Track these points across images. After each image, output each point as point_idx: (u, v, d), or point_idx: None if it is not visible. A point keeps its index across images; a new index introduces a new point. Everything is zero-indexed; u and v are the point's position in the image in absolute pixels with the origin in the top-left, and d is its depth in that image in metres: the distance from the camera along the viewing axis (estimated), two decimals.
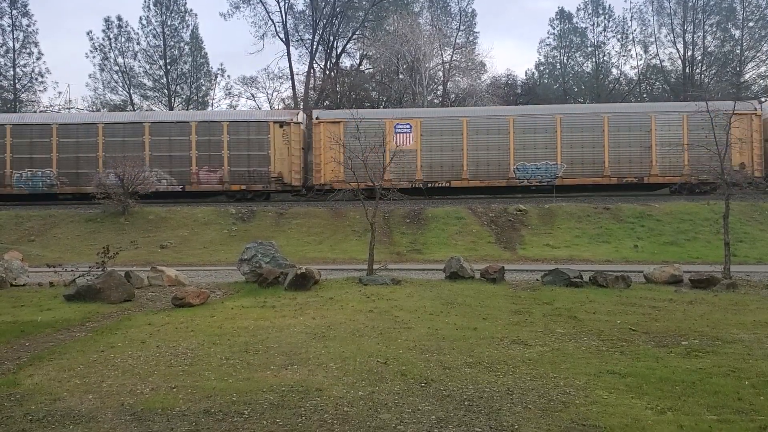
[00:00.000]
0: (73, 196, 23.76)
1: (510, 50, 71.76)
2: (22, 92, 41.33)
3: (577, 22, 45.14)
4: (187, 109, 40.79)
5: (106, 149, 23.55)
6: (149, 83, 43.05)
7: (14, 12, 40.48)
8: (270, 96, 52.41)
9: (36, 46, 41.12)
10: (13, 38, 40.55)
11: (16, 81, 40.87)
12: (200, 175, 23.76)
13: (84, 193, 22.83)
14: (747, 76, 41.09)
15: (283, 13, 42.55)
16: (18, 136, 23.96)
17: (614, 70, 45.00)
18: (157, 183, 23.12)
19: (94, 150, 23.61)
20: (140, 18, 44.55)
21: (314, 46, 42.46)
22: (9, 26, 40.45)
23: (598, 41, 44.43)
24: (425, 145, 23.50)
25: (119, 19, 42.24)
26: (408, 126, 23.59)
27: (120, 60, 42.39)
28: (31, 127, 24.18)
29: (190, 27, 43.35)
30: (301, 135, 24.19)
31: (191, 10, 45.72)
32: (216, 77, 45.06)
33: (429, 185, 23.38)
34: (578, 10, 46.05)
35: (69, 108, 40.72)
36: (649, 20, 43.19)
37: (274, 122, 23.85)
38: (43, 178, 23.87)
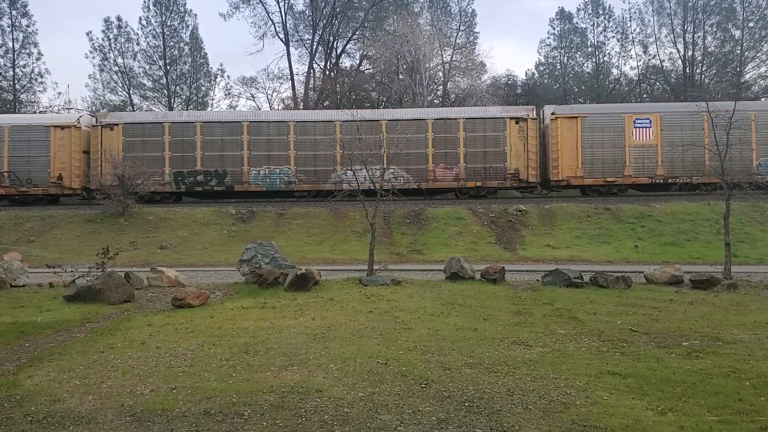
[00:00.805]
0: (309, 194, 23.75)
1: (510, 51, 71.89)
2: (22, 93, 41.36)
3: (577, 23, 45.21)
4: (187, 109, 40.80)
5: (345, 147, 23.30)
6: (149, 83, 43.07)
7: (14, 12, 40.51)
8: (269, 96, 52.46)
9: (35, 47, 41.16)
10: (13, 39, 40.57)
11: (16, 81, 40.87)
12: (437, 173, 23.81)
13: (319, 191, 22.95)
14: (747, 76, 41.16)
15: (282, 13, 42.62)
16: (255, 133, 23.92)
17: (614, 71, 45.08)
18: (394, 180, 22.92)
19: (331, 148, 23.27)
20: (140, 18, 44.55)
21: (314, 47, 42.52)
22: (8, 27, 40.49)
23: (598, 41, 44.50)
24: (665, 140, 22.98)
25: (119, 19, 42.29)
26: (647, 121, 23.36)
27: (120, 60, 42.43)
28: (268, 124, 24.16)
29: (190, 27, 43.40)
30: (537, 131, 23.98)
31: (191, 11, 45.87)
32: (216, 77, 45.11)
33: (669, 181, 22.72)
34: (578, 10, 46.12)
35: (69, 109, 40.70)
36: (649, 20, 43.28)
37: (511, 118, 23.73)
38: (281, 176, 23.90)
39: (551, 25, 45.95)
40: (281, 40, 42.64)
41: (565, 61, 45.59)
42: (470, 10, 44.85)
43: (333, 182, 22.80)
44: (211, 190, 24.11)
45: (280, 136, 23.94)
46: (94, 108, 40.75)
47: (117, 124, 24.14)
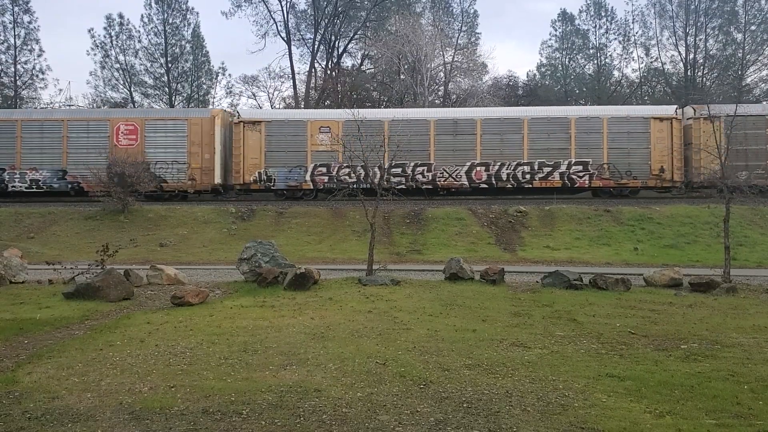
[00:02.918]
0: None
1: (510, 52, 71.85)
2: (23, 89, 41.35)
3: (579, 24, 45.17)
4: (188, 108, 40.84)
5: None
6: (150, 81, 43.03)
7: (16, 9, 40.50)
8: (271, 95, 52.35)
9: (37, 43, 41.10)
10: (15, 35, 40.53)
11: (17, 78, 40.87)
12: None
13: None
14: (749, 79, 41.12)
15: (284, 12, 42.59)
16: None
17: (616, 73, 45.06)
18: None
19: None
20: (142, 16, 44.59)
21: (316, 46, 42.50)
22: (11, 23, 40.46)
23: (599, 43, 44.46)
24: None
25: (121, 16, 42.24)
26: None
27: (121, 57, 42.40)
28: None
29: (192, 25, 43.34)
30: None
31: (193, 9, 45.88)
32: (217, 76, 45.06)
33: None
34: (580, 12, 46.09)
35: (70, 105, 40.71)
36: (650, 23, 43.18)
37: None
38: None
39: (553, 27, 45.96)
40: (283, 39, 42.67)
41: (567, 62, 45.59)
42: (472, 11, 44.88)
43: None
44: None
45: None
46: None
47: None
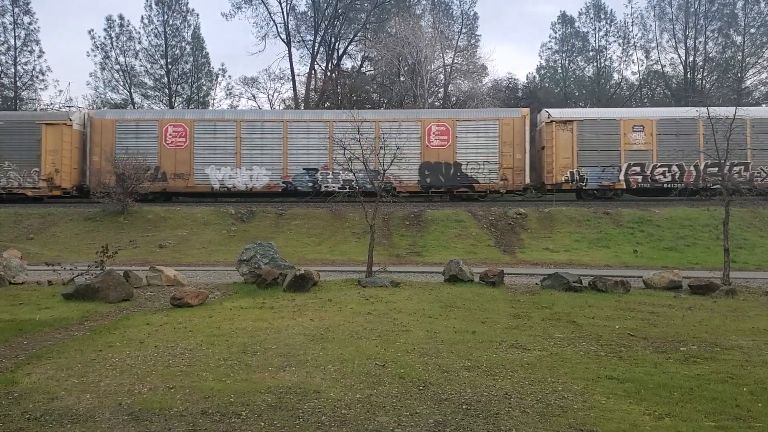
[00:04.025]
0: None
1: (510, 54, 71.89)
2: (23, 90, 41.33)
3: (578, 27, 45.18)
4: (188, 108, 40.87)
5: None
6: (150, 82, 43.01)
7: (16, 10, 40.50)
8: (271, 96, 52.41)
9: (37, 44, 41.07)
10: (15, 36, 40.52)
11: (17, 79, 40.87)
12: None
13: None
14: (748, 82, 41.13)
15: (284, 13, 42.60)
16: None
17: (615, 75, 45.05)
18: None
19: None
20: (142, 17, 44.68)
21: (315, 48, 42.51)
22: (11, 24, 40.47)
23: (599, 46, 44.47)
24: None
25: (121, 18, 42.22)
26: None
27: (121, 59, 42.39)
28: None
29: (192, 27, 43.34)
30: None
31: (193, 10, 45.66)
32: (217, 77, 45.04)
33: None
34: (580, 14, 46.05)
35: (69, 106, 40.71)
36: (650, 25, 43.20)
37: None
38: None
39: (553, 29, 45.94)
40: (283, 40, 42.68)
41: (567, 64, 45.60)
42: (472, 13, 44.87)
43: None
44: None
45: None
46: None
47: None
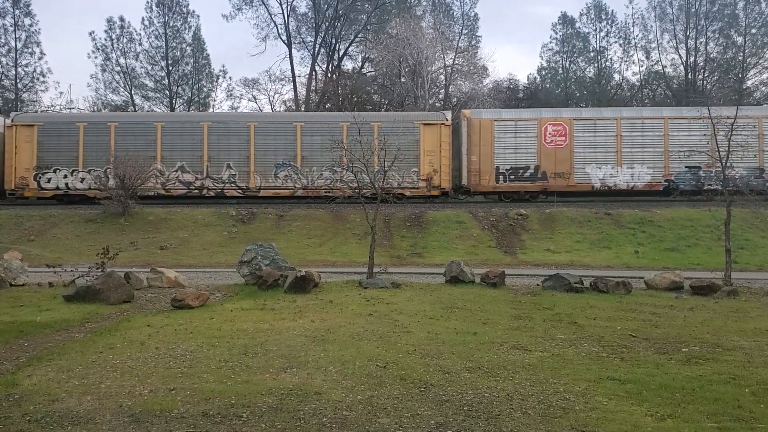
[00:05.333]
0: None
1: (510, 55, 71.94)
2: (24, 92, 41.38)
3: (579, 27, 45.22)
4: (189, 110, 40.89)
5: None
6: (150, 84, 43.09)
7: (17, 12, 40.57)
8: (271, 98, 52.41)
9: (38, 46, 41.14)
10: (15, 38, 40.60)
11: (18, 81, 40.92)
12: None
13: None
14: (749, 82, 41.17)
15: (285, 15, 42.64)
16: None
17: (616, 76, 45.08)
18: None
19: None
20: (142, 19, 44.53)
21: (316, 49, 42.55)
22: (11, 26, 40.54)
23: (600, 46, 44.51)
24: None
25: (121, 19, 42.30)
26: None
27: (122, 60, 42.47)
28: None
29: (192, 28, 43.41)
30: None
31: (193, 12, 45.90)
32: (218, 79, 45.09)
33: None
34: (581, 15, 46.17)
35: (70, 108, 40.74)
36: (651, 26, 43.23)
37: None
38: None
39: (554, 30, 45.98)
40: (283, 42, 42.72)
41: (567, 65, 45.61)
42: (472, 14, 44.93)
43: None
44: None
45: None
46: None
47: None
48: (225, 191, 23.60)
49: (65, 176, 23.51)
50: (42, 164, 23.41)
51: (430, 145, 23.37)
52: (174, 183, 23.46)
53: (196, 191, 23.56)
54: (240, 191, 23.56)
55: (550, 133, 23.63)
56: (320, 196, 22.35)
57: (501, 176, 23.36)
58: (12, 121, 23.79)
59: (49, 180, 23.49)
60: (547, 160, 23.48)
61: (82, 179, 23.49)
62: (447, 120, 23.71)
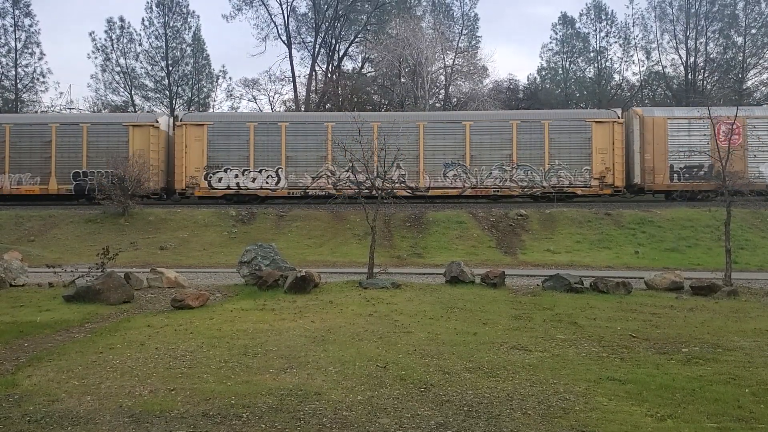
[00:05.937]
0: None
1: (510, 55, 71.94)
2: (24, 92, 41.37)
3: (579, 28, 45.19)
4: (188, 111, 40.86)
5: None
6: (151, 84, 43.06)
7: (17, 12, 40.56)
8: (271, 98, 52.41)
9: (38, 47, 41.10)
10: (15, 38, 40.58)
11: (18, 81, 40.91)
12: None
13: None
14: (749, 83, 41.14)
15: (285, 15, 42.62)
16: None
17: (616, 76, 45.04)
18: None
19: None
20: (142, 19, 44.56)
21: (316, 49, 42.54)
22: (11, 26, 40.53)
23: (600, 47, 44.46)
24: None
25: (121, 20, 42.22)
26: None
27: (122, 61, 42.44)
28: None
29: (192, 28, 43.34)
30: None
31: (193, 12, 45.86)
32: (218, 79, 45.07)
33: None
34: (581, 15, 46.09)
35: (70, 109, 40.75)
36: (651, 26, 43.17)
37: None
38: None
39: (554, 30, 45.94)
40: (283, 42, 42.71)
41: (567, 65, 45.59)
42: (472, 14, 44.93)
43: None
44: None
45: None
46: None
47: None
48: (395, 192, 23.32)
49: (236, 176, 23.53)
50: (212, 164, 23.45)
51: (601, 143, 23.21)
52: (345, 183, 23.08)
53: (366, 191, 23.40)
54: (409, 191, 23.32)
55: (723, 132, 23.05)
56: (488, 195, 22.90)
57: (675, 174, 23.18)
58: (181, 120, 23.81)
59: (219, 180, 23.52)
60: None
61: (254, 179, 23.46)
62: (619, 117, 23.51)
